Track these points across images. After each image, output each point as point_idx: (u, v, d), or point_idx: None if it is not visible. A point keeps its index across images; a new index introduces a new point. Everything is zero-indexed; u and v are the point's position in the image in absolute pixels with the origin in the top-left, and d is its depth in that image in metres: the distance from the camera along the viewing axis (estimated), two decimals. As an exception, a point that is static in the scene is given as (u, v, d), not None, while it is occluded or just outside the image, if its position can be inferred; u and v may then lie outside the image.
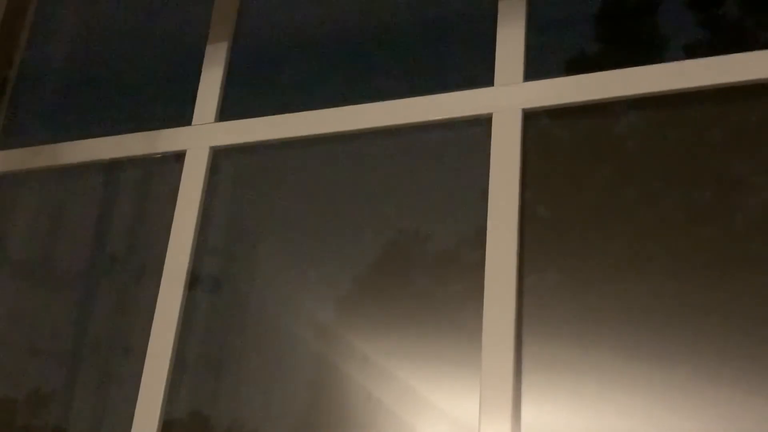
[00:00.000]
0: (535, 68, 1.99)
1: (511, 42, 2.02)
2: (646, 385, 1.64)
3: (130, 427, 2.04)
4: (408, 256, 1.96)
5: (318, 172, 2.15)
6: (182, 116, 2.36)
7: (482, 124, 1.98)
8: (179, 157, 2.30)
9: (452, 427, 1.76)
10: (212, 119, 2.30)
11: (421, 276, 1.92)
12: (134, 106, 2.49)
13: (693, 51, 1.87)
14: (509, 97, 1.96)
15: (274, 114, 2.22)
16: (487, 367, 1.74)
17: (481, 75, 2.03)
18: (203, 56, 2.40)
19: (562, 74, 1.96)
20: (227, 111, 2.32)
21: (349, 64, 2.25)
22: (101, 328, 2.22)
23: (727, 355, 1.61)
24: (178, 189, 2.25)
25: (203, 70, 2.38)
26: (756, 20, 1.84)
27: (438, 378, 1.81)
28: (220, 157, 2.27)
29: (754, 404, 1.56)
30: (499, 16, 2.06)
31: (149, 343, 2.09)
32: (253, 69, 2.36)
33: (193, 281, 2.14)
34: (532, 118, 1.94)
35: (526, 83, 1.97)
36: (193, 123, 2.32)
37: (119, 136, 2.40)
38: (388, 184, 2.05)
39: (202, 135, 2.28)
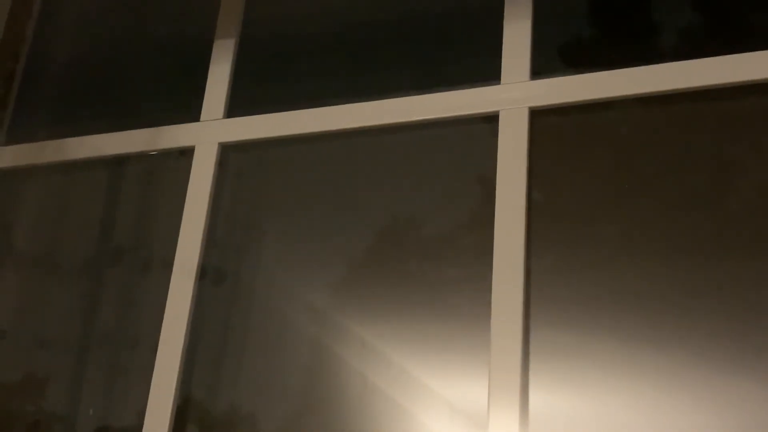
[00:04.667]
0: (542, 66, 2.00)
1: (517, 39, 2.03)
2: (653, 371, 1.66)
3: (143, 418, 2.06)
4: (415, 256, 1.98)
5: (325, 168, 2.16)
6: (190, 112, 2.35)
7: (489, 122, 1.99)
8: (188, 153, 2.30)
9: (460, 415, 1.78)
10: (220, 115, 2.30)
11: (427, 278, 1.94)
12: (142, 102, 2.49)
13: (700, 47, 1.87)
14: (516, 94, 1.97)
15: (282, 110, 2.23)
16: (496, 355, 1.75)
17: (488, 72, 2.04)
18: (211, 51, 2.40)
19: (569, 72, 1.97)
20: (235, 107, 2.32)
21: (357, 60, 2.26)
22: (112, 323, 2.24)
23: (735, 342, 1.63)
24: (186, 185, 2.25)
25: (211, 65, 2.37)
26: (759, 18, 1.85)
27: (446, 366, 1.84)
28: (228, 153, 2.28)
29: (757, 390, 1.58)
30: (505, 12, 2.06)
31: (161, 336, 2.09)
32: (261, 65, 2.37)
33: (203, 275, 2.16)
34: (539, 116, 1.95)
35: (533, 81, 1.98)
36: (201, 119, 2.32)
37: (127, 131, 2.39)
38: (395, 181, 2.07)
39: (211, 131, 2.29)
